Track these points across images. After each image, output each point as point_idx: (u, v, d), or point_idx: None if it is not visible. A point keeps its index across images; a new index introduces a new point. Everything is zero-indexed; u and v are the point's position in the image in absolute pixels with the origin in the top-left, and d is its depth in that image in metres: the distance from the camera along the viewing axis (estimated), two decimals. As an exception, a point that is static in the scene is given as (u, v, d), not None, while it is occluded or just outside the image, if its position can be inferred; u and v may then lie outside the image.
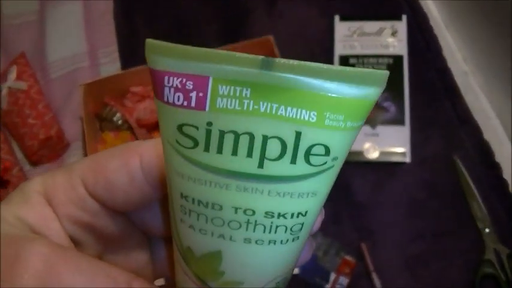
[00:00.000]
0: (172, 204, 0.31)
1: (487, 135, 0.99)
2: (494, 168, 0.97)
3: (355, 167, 1.00)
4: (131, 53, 1.13)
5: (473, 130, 1.00)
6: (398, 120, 1.01)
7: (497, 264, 0.90)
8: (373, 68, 1.04)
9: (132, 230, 0.38)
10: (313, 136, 0.27)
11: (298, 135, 0.27)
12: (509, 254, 0.90)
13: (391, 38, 1.06)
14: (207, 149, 0.28)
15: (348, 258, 0.93)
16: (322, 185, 0.30)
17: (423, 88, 1.05)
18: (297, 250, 0.32)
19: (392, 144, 1.00)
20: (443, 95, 1.04)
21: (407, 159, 0.99)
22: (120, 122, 0.99)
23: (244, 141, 0.27)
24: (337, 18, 1.09)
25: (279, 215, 0.29)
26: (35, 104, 1.03)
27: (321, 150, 0.28)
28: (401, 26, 1.07)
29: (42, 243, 0.31)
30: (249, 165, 0.28)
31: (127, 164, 0.33)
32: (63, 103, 1.08)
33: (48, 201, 0.34)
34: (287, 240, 0.31)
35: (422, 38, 1.08)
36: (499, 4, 0.92)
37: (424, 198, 0.97)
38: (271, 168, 0.28)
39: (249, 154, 0.28)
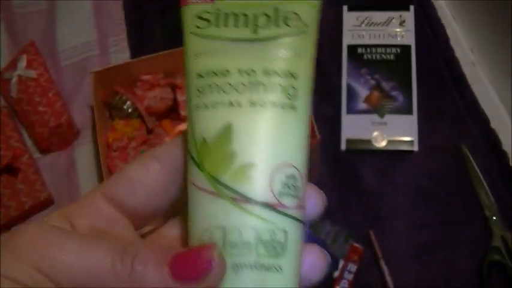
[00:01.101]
0: (189, 96, 0.37)
1: (494, 124, 1.00)
2: (501, 156, 0.97)
3: (363, 156, 1.01)
4: (141, 42, 1.14)
5: (481, 119, 1.01)
6: (406, 109, 1.01)
7: (505, 251, 0.91)
8: (382, 57, 1.05)
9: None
10: (287, 8, 0.36)
11: (276, 10, 0.36)
12: (517, 241, 0.91)
13: (399, 27, 1.07)
14: (217, 25, 0.37)
15: (357, 245, 0.94)
16: (302, 47, 0.37)
17: (431, 77, 1.05)
18: (299, 127, 0.36)
19: (400, 133, 1.00)
20: (450, 85, 1.04)
21: (415, 148, 0.99)
22: (130, 110, 0.99)
23: (242, 18, 0.36)
24: (345, 8, 1.10)
25: (274, 72, 0.36)
26: (45, 92, 1.04)
27: (295, 16, 0.36)
28: (409, 16, 1.08)
29: (43, 223, 0.34)
30: (247, 33, 0.36)
31: (144, 160, 0.37)
32: (73, 91, 1.09)
33: (67, 218, 0.36)
34: (286, 106, 0.35)
35: (429, 28, 1.09)
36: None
37: (431, 186, 0.98)
38: (262, 32, 0.36)
39: (246, 25, 0.36)
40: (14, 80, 1.05)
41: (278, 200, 0.34)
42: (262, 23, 0.36)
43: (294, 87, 0.36)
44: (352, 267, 0.93)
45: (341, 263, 0.93)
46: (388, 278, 0.91)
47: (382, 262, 0.93)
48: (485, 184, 0.96)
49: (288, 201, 0.34)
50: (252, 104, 0.35)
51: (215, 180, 0.34)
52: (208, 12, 0.37)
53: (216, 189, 0.34)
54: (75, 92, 1.08)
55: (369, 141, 1.00)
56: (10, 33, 1.15)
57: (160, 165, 0.36)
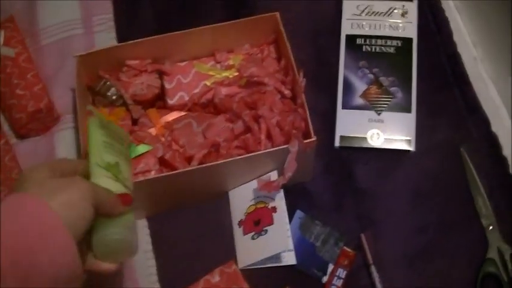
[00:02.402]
0: None
1: (495, 126, 0.97)
2: (501, 163, 0.94)
3: (358, 153, 0.97)
4: (128, 22, 1.08)
5: (482, 121, 0.97)
6: (404, 107, 0.97)
7: (500, 263, 0.88)
8: (382, 50, 1.00)
9: None
10: None
11: None
12: (513, 253, 0.88)
13: (401, 19, 1.02)
14: None
15: (347, 249, 0.91)
16: None
17: (432, 73, 1.01)
18: None
19: (397, 131, 0.96)
20: (452, 82, 1.00)
21: (412, 148, 0.95)
22: (114, 97, 0.94)
23: None
24: (345, -5, 1.04)
25: None
26: (24, 73, 0.98)
27: None
28: (412, 6, 1.03)
29: None
30: None
31: None
32: (54, 72, 1.03)
33: None
34: None
35: (433, 20, 1.04)
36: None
37: (428, 189, 0.94)
38: None
39: None
40: (-8, 57, 0.98)
41: None
42: None
43: None
44: (342, 272, 0.89)
45: (330, 267, 0.90)
46: (379, 285, 0.88)
47: (373, 268, 0.89)
48: (483, 191, 0.92)
49: None
50: None
51: None
52: None
53: None
54: (56, 73, 1.03)
55: (364, 139, 0.96)
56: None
57: None
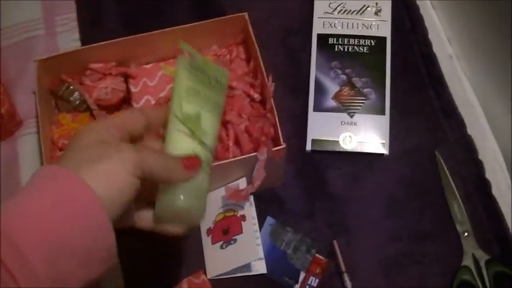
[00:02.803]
0: None
1: (471, 129, 0.94)
2: (477, 167, 0.92)
3: (330, 157, 0.94)
4: (92, 22, 1.04)
5: (457, 123, 0.95)
6: (378, 109, 0.94)
7: (475, 271, 0.86)
8: (355, 50, 0.97)
9: None
10: None
11: None
12: (488, 260, 0.86)
13: (375, 17, 0.99)
14: None
15: (319, 257, 0.88)
16: None
17: (406, 74, 0.99)
18: None
19: (371, 134, 0.94)
20: (427, 83, 0.98)
21: (386, 151, 0.93)
22: (78, 102, 0.91)
23: None
24: (317, -7, 1.01)
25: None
26: (-16, 77, 0.94)
27: None
28: (386, 4, 1.00)
29: None
30: None
31: None
32: (15, 76, 0.99)
33: None
34: None
35: (407, 18, 1.01)
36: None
37: (402, 194, 0.92)
38: None
39: None
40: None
41: None
42: None
43: None
44: (314, 281, 0.87)
45: (302, 275, 0.88)
46: (352, 294, 0.86)
47: (345, 276, 0.87)
48: (458, 196, 0.90)
49: None
50: None
51: None
52: None
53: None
54: (17, 76, 0.99)
55: (336, 143, 0.93)
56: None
57: None
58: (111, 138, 0.59)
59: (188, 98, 0.64)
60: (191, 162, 0.61)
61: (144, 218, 0.64)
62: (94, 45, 0.90)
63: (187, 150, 0.62)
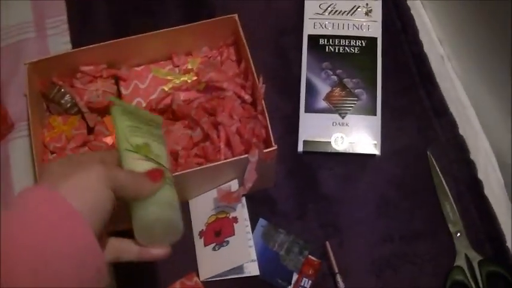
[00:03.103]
0: None
1: (463, 129, 0.94)
2: (469, 167, 0.92)
3: (322, 158, 0.94)
4: (83, 25, 1.04)
5: (449, 123, 0.96)
6: (369, 110, 0.95)
7: (468, 271, 0.86)
8: (346, 50, 0.97)
9: None
10: None
11: None
12: (481, 261, 0.86)
13: (365, 17, 0.99)
14: None
15: (312, 258, 0.88)
16: None
17: (397, 74, 0.99)
18: None
19: (362, 135, 0.94)
20: (418, 83, 0.98)
21: (378, 152, 0.93)
22: (69, 105, 0.90)
23: None
24: (307, -7, 1.01)
25: None
26: (-26, 80, 0.94)
27: None
28: (377, 5, 1.00)
29: None
30: None
31: None
32: (6, 78, 0.99)
33: None
34: None
35: (398, 18, 1.01)
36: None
37: (394, 195, 0.92)
38: None
39: None
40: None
41: None
42: None
43: None
44: (307, 282, 0.87)
45: (295, 277, 0.88)
46: (345, 295, 0.86)
47: (338, 277, 0.87)
48: (450, 196, 0.90)
49: None
50: None
51: None
52: None
53: None
54: (9, 79, 0.99)
55: (328, 144, 0.94)
56: None
57: None
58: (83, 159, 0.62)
59: (132, 133, 0.66)
60: (155, 174, 0.62)
61: (126, 250, 0.64)
62: (84, 47, 0.90)
63: (146, 170, 0.64)
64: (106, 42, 0.89)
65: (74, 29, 1.04)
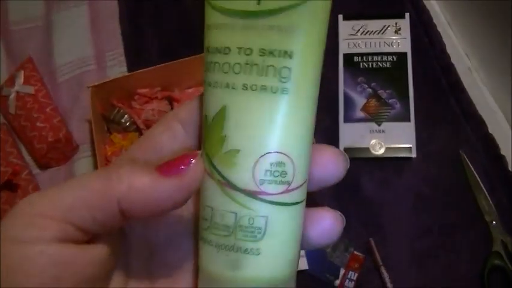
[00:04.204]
0: (204, 70, 0.37)
1: (492, 129, 1.00)
2: (500, 161, 0.97)
3: (362, 164, 1.01)
4: (137, 55, 1.14)
5: (478, 124, 1.01)
6: (403, 117, 1.01)
7: (505, 255, 0.91)
8: (378, 65, 1.05)
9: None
10: None
11: None
12: (517, 245, 0.91)
13: (395, 35, 1.07)
14: None
15: (357, 253, 0.94)
16: (299, 20, 0.34)
17: (427, 84, 1.05)
18: (293, 112, 0.35)
19: (398, 140, 1.00)
20: (447, 91, 1.04)
21: (414, 155, 0.99)
22: (128, 123, 1.00)
23: None
24: (340, 17, 1.10)
25: (269, 52, 0.34)
26: (43, 108, 1.04)
27: None
28: (405, 23, 1.08)
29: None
30: (250, 4, 0.34)
31: (166, 122, 0.38)
32: (70, 106, 1.09)
33: None
34: (277, 90, 0.34)
35: (425, 35, 1.09)
36: (500, 2, 0.93)
37: (431, 192, 0.98)
38: (264, 4, 0.34)
39: None
40: (12, 96, 1.05)
41: (259, 188, 0.35)
42: None
43: (288, 68, 0.34)
44: (353, 275, 0.93)
45: (342, 272, 0.93)
46: (389, 285, 0.91)
47: (382, 269, 0.92)
48: (484, 189, 0.95)
49: (272, 188, 0.35)
50: (245, 87, 0.34)
51: (209, 161, 0.35)
52: None
53: (210, 170, 0.35)
54: (72, 107, 1.08)
55: (367, 149, 1.00)
56: (8, 50, 1.15)
57: (185, 130, 0.37)
58: None
59: None
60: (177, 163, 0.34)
61: None
62: (139, 71, 0.99)
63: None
64: (159, 65, 0.99)
65: (130, 60, 1.13)
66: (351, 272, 0.93)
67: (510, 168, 0.97)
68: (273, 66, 0.34)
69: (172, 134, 0.37)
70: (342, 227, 0.39)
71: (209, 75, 0.36)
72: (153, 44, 1.15)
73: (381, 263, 0.93)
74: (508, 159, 0.98)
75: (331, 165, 0.39)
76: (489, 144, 0.99)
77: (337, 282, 0.93)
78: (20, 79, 1.06)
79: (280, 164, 0.35)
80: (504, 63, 0.99)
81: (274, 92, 0.34)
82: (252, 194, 0.35)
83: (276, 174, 0.35)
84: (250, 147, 0.35)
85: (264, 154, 0.34)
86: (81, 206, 0.31)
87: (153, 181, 0.32)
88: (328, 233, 0.39)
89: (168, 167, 0.33)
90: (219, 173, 0.35)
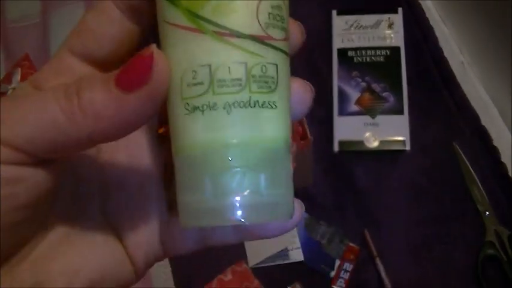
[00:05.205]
0: None
1: (485, 122, 1.01)
2: (492, 152, 0.98)
3: (356, 156, 1.02)
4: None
5: (471, 116, 1.02)
6: (397, 110, 1.03)
7: (499, 245, 0.92)
8: (372, 60, 1.06)
9: None
10: None
11: None
12: (510, 235, 0.92)
13: (388, 30, 1.08)
14: None
15: (352, 245, 0.95)
16: None
17: (420, 77, 1.06)
18: None
19: (392, 133, 1.02)
20: (440, 84, 1.06)
21: (407, 148, 1.01)
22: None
23: None
24: (334, 12, 1.11)
25: None
26: (41, 104, 1.05)
27: None
28: (398, 18, 1.09)
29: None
30: None
31: (101, 7, 0.34)
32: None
33: (35, 86, 0.34)
34: None
35: (418, 29, 1.10)
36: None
37: (424, 184, 0.99)
38: None
39: None
40: (10, 93, 1.06)
41: (266, 32, 0.32)
42: None
43: None
44: (349, 266, 0.94)
45: (337, 263, 0.94)
46: (384, 276, 0.92)
47: (378, 260, 0.93)
48: (477, 180, 0.97)
49: (276, 33, 0.32)
50: None
51: (194, 15, 0.31)
52: None
53: (197, 24, 0.31)
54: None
55: (361, 142, 1.02)
56: (5, 47, 1.16)
57: (121, 9, 0.33)
58: None
59: None
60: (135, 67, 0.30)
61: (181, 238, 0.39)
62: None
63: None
64: None
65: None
66: (346, 264, 0.94)
67: (502, 160, 0.98)
68: None
69: (107, 18, 0.33)
70: (311, 95, 0.36)
71: None
72: (150, 37, 1.16)
73: (376, 254, 0.94)
74: (501, 150, 0.99)
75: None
76: (482, 136, 1.00)
77: (333, 273, 0.94)
78: (17, 76, 1.07)
79: (278, 7, 0.33)
80: (497, 56, 1.00)
81: None
82: (260, 39, 0.31)
83: (278, 18, 0.32)
84: None
85: None
86: (42, 139, 0.29)
87: (117, 101, 0.29)
88: (299, 102, 0.35)
89: (128, 78, 0.29)
90: (215, 23, 0.31)
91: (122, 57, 0.35)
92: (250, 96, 0.31)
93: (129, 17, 0.34)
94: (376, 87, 1.04)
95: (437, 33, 1.10)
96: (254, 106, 0.31)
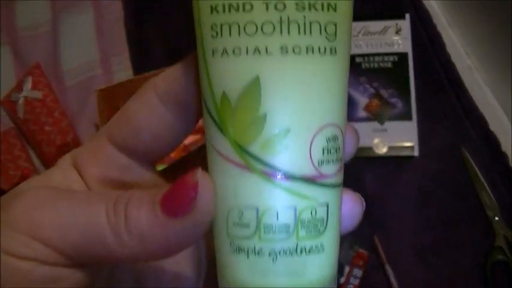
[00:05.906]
0: (201, 41, 0.30)
1: (493, 126, 1.01)
2: (501, 157, 0.99)
3: (365, 162, 1.02)
4: (143, 60, 1.16)
5: (479, 121, 1.02)
6: (405, 116, 1.03)
7: (507, 250, 0.92)
8: (380, 66, 1.07)
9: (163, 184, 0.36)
10: None
11: None
12: (519, 240, 0.92)
13: (396, 36, 1.09)
14: None
15: (361, 251, 0.96)
16: None
17: (428, 83, 1.07)
18: (341, 75, 0.30)
19: (400, 138, 1.02)
20: (448, 89, 1.06)
21: (416, 153, 1.01)
22: (134, 126, 1.01)
23: None
24: (342, 19, 1.11)
25: (310, 6, 0.28)
26: (51, 112, 1.06)
27: None
28: (405, 24, 1.09)
29: (39, 187, 0.31)
30: None
31: (143, 98, 0.33)
32: (78, 110, 1.11)
33: (75, 166, 0.35)
34: (325, 50, 0.28)
35: (426, 35, 1.10)
36: (499, 2, 0.94)
37: (433, 189, 0.99)
38: None
39: None
40: (21, 101, 1.07)
41: (318, 171, 0.29)
42: None
43: (334, 24, 0.29)
44: (358, 272, 0.94)
45: (347, 269, 0.95)
46: (394, 281, 0.93)
47: (387, 266, 0.94)
48: (486, 185, 0.97)
49: (329, 169, 0.30)
50: (284, 50, 0.28)
51: (242, 149, 0.28)
52: None
53: (245, 160, 0.28)
54: (80, 111, 1.10)
55: (370, 148, 1.02)
56: (16, 56, 1.17)
57: (164, 104, 0.32)
58: None
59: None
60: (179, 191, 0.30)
61: None
62: (145, 74, 1.01)
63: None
64: (164, 68, 1.00)
65: (136, 64, 1.15)
66: (355, 270, 0.94)
67: (511, 165, 0.98)
68: (317, 21, 0.28)
69: (148, 111, 0.33)
70: (362, 209, 0.35)
71: (221, 41, 0.28)
72: (159, 47, 1.17)
73: (385, 261, 0.94)
74: (509, 155, 0.99)
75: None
76: (490, 141, 1.00)
77: (342, 279, 0.94)
78: (28, 84, 1.08)
79: (334, 138, 0.30)
80: (504, 60, 1.00)
81: (322, 53, 0.29)
82: (311, 180, 0.29)
83: (332, 151, 0.30)
84: (303, 123, 0.29)
85: (319, 129, 0.29)
86: (86, 248, 0.29)
87: (162, 225, 0.29)
88: (349, 217, 0.34)
89: (173, 205, 0.29)
90: (263, 162, 0.28)
91: (163, 151, 0.35)
92: (297, 244, 0.29)
93: (172, 113, 0.33)
94: (384, 93, 1.05)
95: (445, 38, 1.10)
96: (301, 253, 0.29)
